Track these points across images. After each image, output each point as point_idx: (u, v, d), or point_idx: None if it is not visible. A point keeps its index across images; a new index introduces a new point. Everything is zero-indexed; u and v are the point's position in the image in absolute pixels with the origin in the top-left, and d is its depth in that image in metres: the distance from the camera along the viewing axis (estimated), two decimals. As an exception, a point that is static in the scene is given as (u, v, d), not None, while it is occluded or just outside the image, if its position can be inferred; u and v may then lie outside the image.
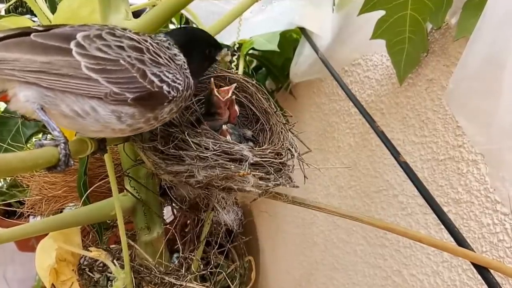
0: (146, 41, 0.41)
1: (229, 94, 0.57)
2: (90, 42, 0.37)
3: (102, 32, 0.39)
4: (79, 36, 0.37)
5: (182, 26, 1.06)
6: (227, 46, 0.53)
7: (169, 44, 0.44)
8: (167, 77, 0.40)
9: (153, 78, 0.39)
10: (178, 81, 0.41)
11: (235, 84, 0.59)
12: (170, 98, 0.40)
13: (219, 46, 0.51)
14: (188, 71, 0.45)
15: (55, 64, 0.35)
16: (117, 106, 0.37)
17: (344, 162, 0.89)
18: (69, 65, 0.36)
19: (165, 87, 0.39)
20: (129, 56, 0.38)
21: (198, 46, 0.48)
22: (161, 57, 0.41)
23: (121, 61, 0.37)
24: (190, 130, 0.51)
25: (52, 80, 0.35)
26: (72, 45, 0.36)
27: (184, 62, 0.45)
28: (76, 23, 0.41)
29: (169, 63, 0.42)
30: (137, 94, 0.38)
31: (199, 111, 0.61)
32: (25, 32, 0.37)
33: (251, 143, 0.57)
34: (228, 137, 0.54)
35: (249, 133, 0.60)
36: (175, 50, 0.44)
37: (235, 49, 0.68)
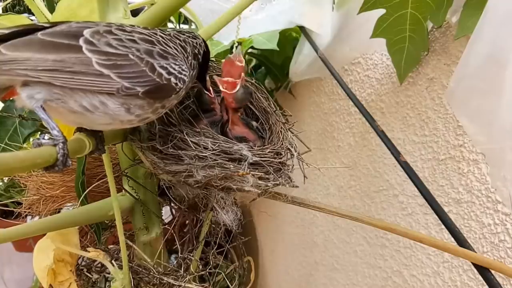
0: (156, 34, 0.42)
1: (237, 88, 0.55)
2: (100, 37, 0.37)
3: (111, 28, 0.39)
4: (86, 32, 0.37)
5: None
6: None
7: (186, 37, 0.46)
8: (174, 69, 0.41)
9: (161, 71, 0.40)
10: (184, 72, 0.42)
11: (242, 76, 0.56)
12: (177, 89, 0.42)
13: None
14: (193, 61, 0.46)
15: (67, 62, 0.35)
16: (126, 99, 0.38)
17: (344, 161, 0.88)
18: (80, 62, 0.36)
19: (172, 79, 0.41)
20: (138, 50, 0.39)
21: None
22: (170, 47, 0.42)
23: (130, 56, 0.38)
24: (189, 130, 0.51)
25: (66, 78, 0.35)
26: (81, 42, 0.37)
27: (191, 52, 0.46)
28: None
29: (176, 53, 0.43)
30: (147, 87, 0.38)
31: (197, 108, 0.60)
32: (31, 29, 0.37)
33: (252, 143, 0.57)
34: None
35: (254, 123, 0.59)
36: (188, 45, 0.46)
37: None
